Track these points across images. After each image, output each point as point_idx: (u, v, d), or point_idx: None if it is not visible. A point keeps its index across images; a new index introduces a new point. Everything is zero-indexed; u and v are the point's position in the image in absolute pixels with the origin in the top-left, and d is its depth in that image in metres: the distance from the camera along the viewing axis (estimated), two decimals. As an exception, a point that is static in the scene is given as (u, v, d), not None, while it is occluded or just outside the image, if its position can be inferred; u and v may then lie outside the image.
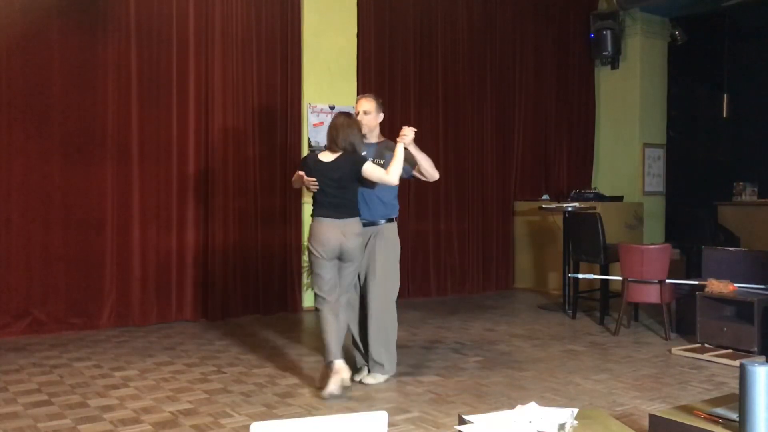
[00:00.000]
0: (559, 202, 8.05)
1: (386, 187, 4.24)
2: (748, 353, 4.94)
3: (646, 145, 8.97)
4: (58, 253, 5.72)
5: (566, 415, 2.33)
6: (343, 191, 4.15)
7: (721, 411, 2.59)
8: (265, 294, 6.68)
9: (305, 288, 6.94)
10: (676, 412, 2.73)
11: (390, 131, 7.54)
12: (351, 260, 4.19)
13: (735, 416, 2.41)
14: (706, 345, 5.22)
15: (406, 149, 4.22)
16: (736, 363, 4.48)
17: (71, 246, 5.78)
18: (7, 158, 5.52)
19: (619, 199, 8.41)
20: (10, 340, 5.38)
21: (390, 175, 4.11)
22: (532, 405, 2.39)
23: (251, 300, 6.62)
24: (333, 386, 3.90)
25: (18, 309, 5.57)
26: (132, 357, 4.91)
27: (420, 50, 7.80)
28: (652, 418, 2.74)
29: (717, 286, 5.25)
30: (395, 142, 4.25)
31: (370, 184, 4.20)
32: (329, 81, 7.08)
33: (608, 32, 8.75)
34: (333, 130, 4.20)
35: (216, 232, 6.37)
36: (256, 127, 6.68)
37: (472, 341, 5.54)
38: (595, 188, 8.86)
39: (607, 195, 8.36)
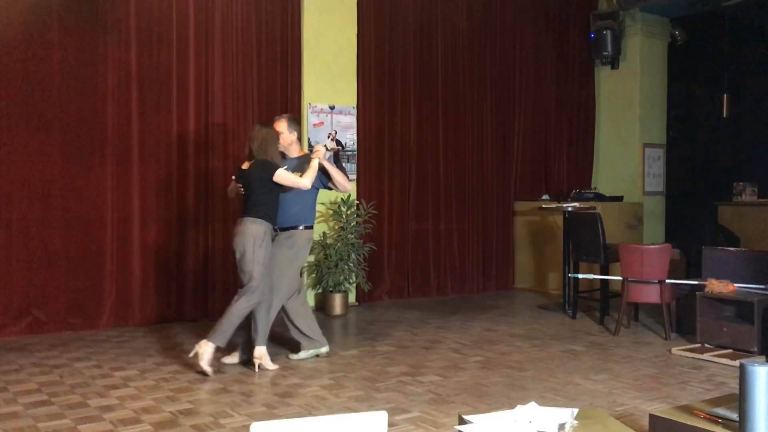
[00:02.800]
0: (559, 202, 8.05)
1: (297, 196, 4.75)
2: (748, 353, 4.94)
3: (646, 145, 8.98)
4: (58, 253, 5.72)
5: (566, 415, 2.33)
6: (251, 195, 4.58)
7: (721, 411, 2.59)
8: (265, 294, 6.68)
9: (305, 288, 6.93)
10: (676, 412, 2.73)
11: (390, 131, 7.62)
12: (236, 253, 4.53)
13: (735, 416, 2.41)
14: (706, 345, 5.22)
15: (320, 163, 4.78)
16: (736, 363, 4.48)
17: (71, 246, 5.78)
18: (7, 158, 5.52)
19: (619, 199, 8.42)
20: (10, 340, 5.39)
21: (303, 179, 4.62)
22: (532, 405, 2.39)
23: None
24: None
25: (18, 309, 5.57)
26: (132, 357, 4.91)
27: (420, 50, 7.80)
28: (652, 418, 2.74)
29: (717, 286, 5.26)
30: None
31: (288, 191, 4.71)
32: (329, 81, 7.08)
33: (608, 32, 8.75)
34: (249, 141, 4.70)
35: (216, 232, 6.37)
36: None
37: (472, 341, 5.54)
38: (595, 188, 8.87)
39: (607, 195, 8.36)
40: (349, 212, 6.89)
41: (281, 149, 4.85)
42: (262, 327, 4.60)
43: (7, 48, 5.51)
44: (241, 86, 6.58)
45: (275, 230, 4.73)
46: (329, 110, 7.10)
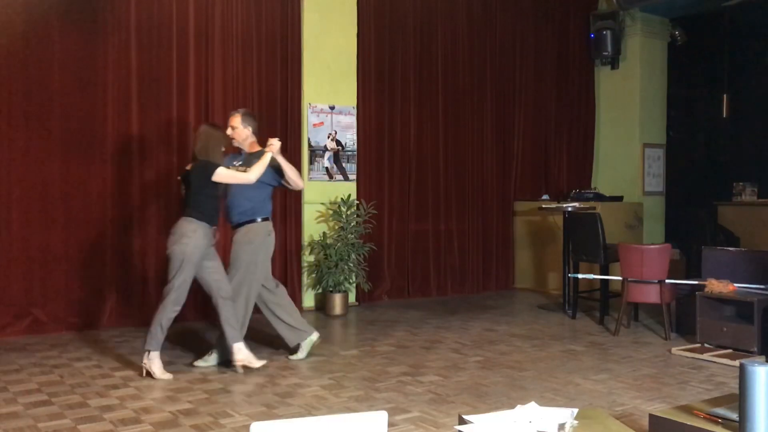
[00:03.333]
0: (559, 202, 8.05)
1: (248, 192, 4.69)
2: (748, 353, 4.95)
3: (646, 145, 8.97)
4: (58, 253, 5.72)
5: (566, 415, 2.33)
6: (190, 196, 4.53)
7: (721, 411, 2.59)
8: (265, 294, 6.68)
9: (305, 288, 6.94)
10: (676, 412, 2.73)
11: (390, 131, 7.62)
12: (168, 251, 4.50)
13: (735, 416, 2.41)
14: (706, 345, 5.23)
15: (274, 158, 4.71)
16: (736, 363, 4.48)
17: (71, 246, 5.78)
18: (7, 158, 5.52)
19: (619, 199, 8.42)
20: (10, 340, 5.39)
21: (248, 174, 4.55)
22: (532, 405, 2.39)
23: (251, 300, 6.61)
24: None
25: (18, 309, 5.57)
26: (132, 357, 4.91)
27: (420, 50, 7.80)
28: (652, 418, 2.74)
29: (717, 286, 5.26)
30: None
31: (237, 188, 4.69)
32: (329, 81, 7.08)
33: (608, 32, 8.75)
34: (192, 141, 4.74)
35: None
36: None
37: (472, 341, 5.54)
38: (595, 188, 8.87)
39: (607, 195, 8.36)
40: (349, 212, 6.89)
41: (237, 144, 4.83)
42: (234, 324, 4.52)
43: (7, 48, 5.51)
44: (241, 86, 6.58)
45: (215, 229, 4.67)
46: (329, 110, 7.10)
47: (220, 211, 4.69)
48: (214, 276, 4.54)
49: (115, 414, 3.65)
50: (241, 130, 4.81)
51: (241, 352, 4.51)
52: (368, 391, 4.12)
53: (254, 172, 4.54)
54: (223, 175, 4.49)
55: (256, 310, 4.89)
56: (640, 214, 8.59)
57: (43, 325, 5.64)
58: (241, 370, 4.51)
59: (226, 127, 4.83)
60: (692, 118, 9.05)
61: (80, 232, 5.82)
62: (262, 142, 6.69)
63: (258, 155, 4.73)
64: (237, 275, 4.71)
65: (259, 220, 4.79)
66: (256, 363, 4.54)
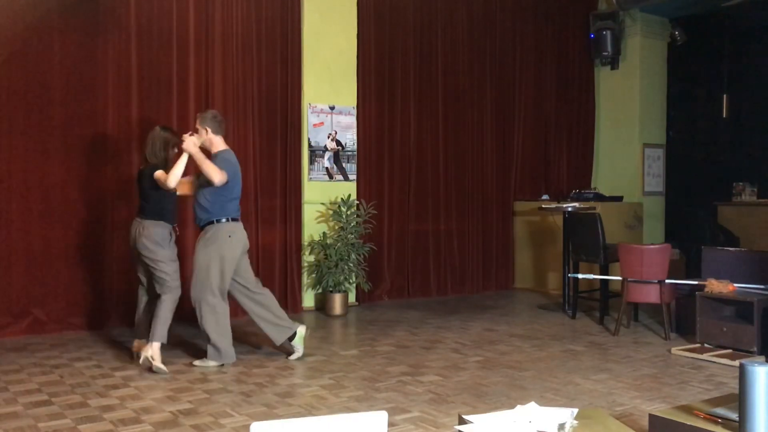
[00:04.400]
0: (559, 202, 8.05)
1: (204, 193, 4.72)
2: (748, 353, 4.95)
3: (645, 145, 8.98)
4: (59, 253, 5.73)
5: (566, 415, 2.33)
6: (143, 197, 4.75)
7: (720, 411, 2.59)
8: (265, 294, 6.68)
9: (305, 288, 6.94)
10: (675, 412, 2.73)
11: (390, 131, 7.62)
12: (144, 255, 4.69)
13: (735, 416, 2.42)
14: (706, 345, 5.23)
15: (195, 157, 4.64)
16: (736, 363, 4.48)
17: (71, 246, 5.78)
18: (8, 158, 5.52)
19: (619, 199, 8.42)
20: (10, 340, 5.39)
21: (168, 179, 4.56)
22: (532, 405, 2.39)
23: (251, 300, 6.62)
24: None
25: (18, 309, 5.57)
26: (132, 357, 4.91)
27: (420, 50, 7.80)
28: (652, 418, 2.74)
29: (717, 286, 5.26)
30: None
31: (197, 190, 4.78)
32: (329, 81, 7.08)
33: (608, 32, 8.75)
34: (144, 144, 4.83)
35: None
36: (255, 127, 6.68)
37: (472, 341, 5.54)
38: (595, 188, 8.87)
39: (607, 195, 8.37)
40: (349, 212, 6.89)
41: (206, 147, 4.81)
42: (164, 323, 4.60)
43: (7, 48, 5.51)
44: (241, 86, 6.58)
45: (175, 229, 4.88)
46: (329, 110, 7.10)
47: (175, 210, 4.89)
48: (155, 274, 4.77)
49: (115, 414, 3.65)
50: (201, 132, 4.77)
51: (155, 348, 4.52)
52: (368, 391, 4.12)
53: (170, 179, 4.54)
54: (156, 176, 4.63)
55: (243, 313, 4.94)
56: (640, 214, 8.59)
57: (43, 325, 5.64)
58: (141, 362, 4.54)
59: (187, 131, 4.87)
60: (692, 118, 9.05)
61: (80, 232, 5.83)
62: (264, 142, 6.73)
63: (215, 157, 4.76)
64: (194, 277, 4.75)
65: (223, 220, 4.74)
66: (162, 367, 4.47)
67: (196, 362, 4.75)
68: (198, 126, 4.80)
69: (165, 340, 4.58)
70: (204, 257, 4.69)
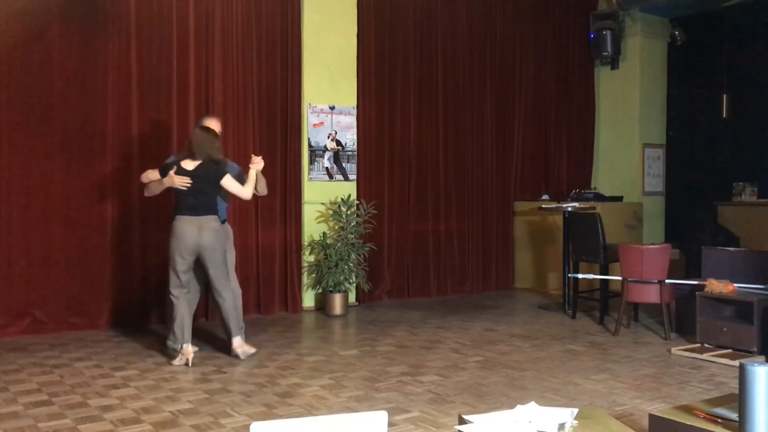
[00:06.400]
0: (559, 202, 8.05)
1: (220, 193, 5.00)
2: (748, 353, 4.95)
3: (645, 145, 8.97)
4: (58, 253, 5.73)
5: (566, 415, 2.33)
6: (201, 195, 4.83)
7: (720, 411, 2.59)
8: (265, 294, 6.69)
9: (305, 288, 6.94)
10: (676, 412, 2.73)
11: (390, 131, 7.62)
12: (209, 251, 4.82)
13: (735, 416, 2.42)
14: (706, 345, 5.23)
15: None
16: (736, 363, 4.48)
17: (71, 246, 5.78)
18: (8, 158, 5.52)
19: (619, 199, 8.42)
20: (10, 340, 5.39)
21: (246, 190, 4.96)
22: (532, 405, 2.39)
23: (251, 300, 6.62)
24: (178, 362, 4.70)
25: (18, 309, 5.57)
26: (132, 357, 4.92)
27: (420, 50, 7.80)
28: (652, 418, 2.74)
29: (717, 286, 5.26)
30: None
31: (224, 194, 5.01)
32: (329, 81, 7.08)
33: (608, 32, 8.75)
34: (193, 143, 4.90)
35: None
36: (256, 127, 6.68)
37: (472, 341, 5.54)
38: (595, 188, 8.86)
39: (607, 195, 8.36)
40: (349, 212, 6.89)
41: None
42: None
43: (7, 48, 5.51)
44: (241, 86, 6.58)
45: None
46: (329, 110, 7.10)
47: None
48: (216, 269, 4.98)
49: (115, 414, 3.65)
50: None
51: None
52: (368, 391, 4.12)
53: (249, 191, 4.98)
54: (227, 183, 4.89)
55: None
56: (640, 214, 8.59)
57: (43, 325, 5.64)
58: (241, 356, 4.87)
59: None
60: (692, 118, 9.05)
61: (80, 232, 5.82)
62: (264, 142, 6.73)
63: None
64: (224, 269, 5.06)
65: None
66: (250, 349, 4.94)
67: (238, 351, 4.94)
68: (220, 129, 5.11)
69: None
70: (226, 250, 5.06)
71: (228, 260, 5.03)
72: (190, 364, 4.66)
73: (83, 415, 3.63)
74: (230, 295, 4.92)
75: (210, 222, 4.81)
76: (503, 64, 8.49)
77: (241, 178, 5.04)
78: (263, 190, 5.29)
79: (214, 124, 5.04)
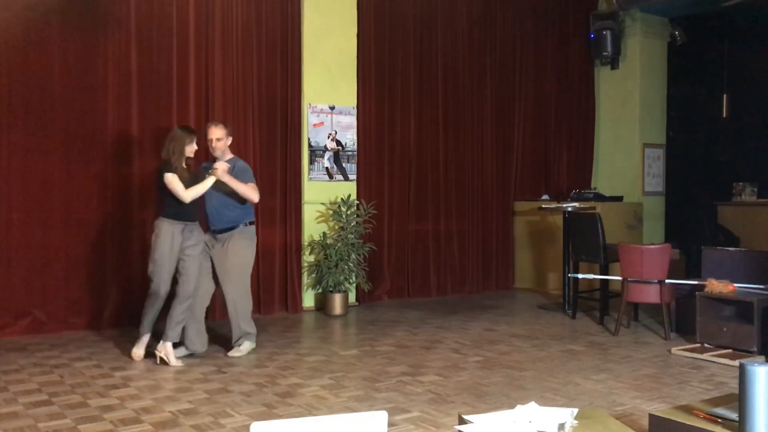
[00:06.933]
0: (559, 202, 8.05)
1: (231, 200, 4.98)
2: (748, 353, 4.95)
3: (645, 145, 8.97)
4: (58, 253, 5.73)
5: (566, 415, 2.33)
6: (159, 195, 4.87)
7: (720, 411, 2.59)
8: (265, 294, 6.69)
9: (305, 288, 6.94)
10: (675, 412, 2.73)
11: (390, 131, 7.62)
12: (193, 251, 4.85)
13: (735, 416, 2.42)
14: (706, 345, 5.23)
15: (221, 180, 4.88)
16: (736, 363, 4.48)
17: (71, 246, 5.78)
18: (8, 158, 5.52)
19: (619, 199, 8.42)
20: (10, 340, 5.39)
21: (186, 192, 4.73)
22: (532, 405, 2.39)
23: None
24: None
25: (18, 309, 5.57)
26: (132, 357, 4.91)
27: (420, 50, 7.80)
28: (652, 418, 2.74)
29: (717, 286, 5.26)
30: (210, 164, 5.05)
31: (227, 195, 4.97)
32: (329, 81, 7.08)
33: (608, 32, 8.75)
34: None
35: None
36: (255, 127, 6.68)
37: (472, 341, 5.55)
38: (594, 188, 8.86)
39: (607, 195, 8.37)
40: (349, 212, 6.89)
41: (217, 155, 5.06)
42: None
43: (7, 48, 5.51)
44: (241, 86, 6.58)
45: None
46: (329, 110, 7.10)
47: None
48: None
49: (115, 414, 3.65)
50: (224, 141, 5.05)
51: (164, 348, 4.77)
52: (368, 391, 4.12)
53: (190, 194, 4.75)
54: (167, 181, 4.71)
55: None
56: (640, 214, 8.59)
57: (43, 325, 5.64)
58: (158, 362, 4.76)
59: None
60: (692, 118, 9.05)
61: (80, 232, 5.83)
62: (264, 142, 6.73)
63: (234, 163, 5.05)
64: (234, 275, 5.10)
65: (234, 227, 5.07)
66: (174, 361, 4.75)
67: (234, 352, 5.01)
68: (223, 136, 5.02)
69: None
70: (248, 256, 5.05)
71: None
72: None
73: (83, 415, 3.63)
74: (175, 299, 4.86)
75: (157, 224, 4.81)
76: (503, 64, 8.49)
77: (243, 178, 4.98)
78: (248, 198, 4.99)
79: (213, 131, 5.02)
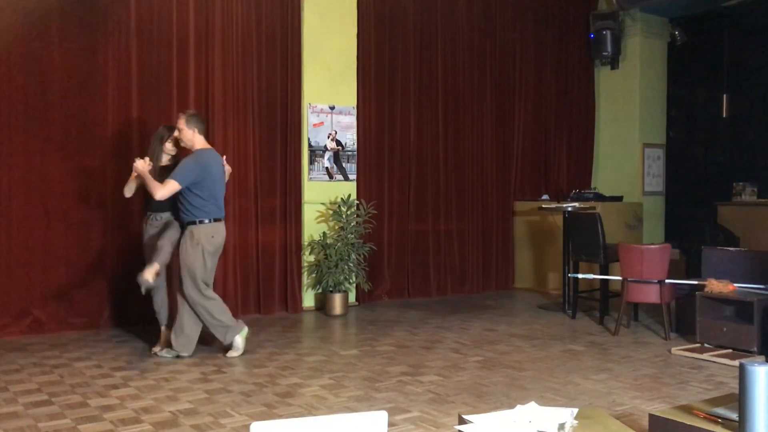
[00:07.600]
0: (559, 202, 8.05)
1: (184, 196, 4.91)
2: (748, 353, 4.95)
3: (645, 145, 8.97)
4: (58, 253, 5.73)
5: (566, 415, 2.33)
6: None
7: (720, 411, 2.59)
8: (265, 294, 6.69)
9: (305, 288, 6.94)
10: (675, 412, 2.74)
11: (390, 131, 7.62)
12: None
13: (735, 416, 2.42)
14: (706, 345, 5.23)
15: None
16: (736, 363, 4.48)
17: (71, 246, 5.78)
18: (8, 158, 5.52)
19: (619, 199, 8.42)
20: (10, 340, 5.39)
21: (126, 187, 5.13)
22: (532, 405, 2.39)
23: (251, 300, 6.63)
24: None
25: (18, 309, 5.57)
26: (132, 357, 4.92)
27: (420, 50, 7.80)
28: (652, 418, 2.74)
29: (717, 286, 5.26)
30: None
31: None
32: (329, 81, 7.08)
33: (608, 32, 8.75)
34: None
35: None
36: (255, 127, 6.68)
37: (472, 341, 5.55)
38: (594, 188, 8.87)
39: (607, 195, 8.36)
40: (349, 212, 6.89)
41: (184, 145, 5.05)
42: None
43: (8, 48, 5.51)
44: (241, 86, 6.58)
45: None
46: (329, 110, 7.10)
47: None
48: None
49: (115, 414, 3.65)
50: (185, 132, 4.94)
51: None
52: (368, 391, 4.12)
53: (125, 189, 5.12)
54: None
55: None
56: (640, 214, 8.59)
57: (43, 325, 5.64)
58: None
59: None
60: (692, 118, 9.05)
61: (80, 232, 5.83)
62: (264, 142, 6.73)
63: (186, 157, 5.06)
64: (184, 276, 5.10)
65: (206, 221, 4.96)
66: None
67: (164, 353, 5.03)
68: (183, 126, 4.93)
69: None
70: (192, 256, 4.87)
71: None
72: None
73: (83, 415, 3.63)
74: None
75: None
76: (503, 64, 8.49)
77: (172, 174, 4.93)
78: (151, 191, 4.80)
79: (178, 122, 4.99)
